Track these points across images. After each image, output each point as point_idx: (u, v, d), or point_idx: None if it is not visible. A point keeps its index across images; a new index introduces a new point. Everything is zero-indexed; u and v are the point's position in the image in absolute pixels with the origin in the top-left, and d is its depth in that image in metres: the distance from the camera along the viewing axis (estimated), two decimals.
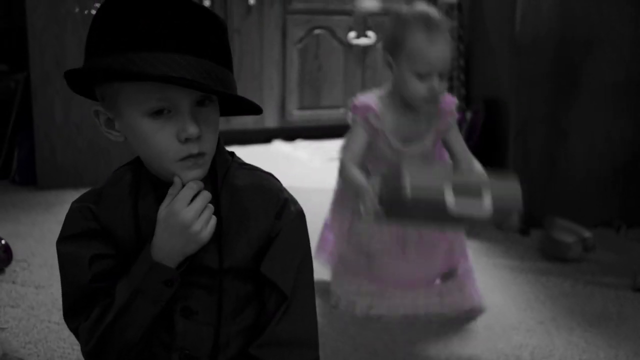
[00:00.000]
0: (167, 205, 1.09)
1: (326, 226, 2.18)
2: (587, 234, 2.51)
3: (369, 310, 2.01)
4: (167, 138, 1.06)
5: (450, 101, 2.02)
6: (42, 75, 3.16)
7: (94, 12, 3.10)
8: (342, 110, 4.58)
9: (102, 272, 1.15)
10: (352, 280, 2.07)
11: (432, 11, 1.92)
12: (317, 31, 4.44)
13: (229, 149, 1.20)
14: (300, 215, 1.20)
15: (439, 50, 1.86)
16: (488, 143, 2.85)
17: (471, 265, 2.13)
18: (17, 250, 2.39)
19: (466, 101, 3.02)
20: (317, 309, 2.00)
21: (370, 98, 1.98)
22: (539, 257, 2.52)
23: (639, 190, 2.88)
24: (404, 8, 1.93)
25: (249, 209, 1.16)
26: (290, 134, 4.53)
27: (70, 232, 1.16)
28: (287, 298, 1.15)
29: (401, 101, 1.96)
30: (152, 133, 1.06)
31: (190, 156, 1.07)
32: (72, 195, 1.24)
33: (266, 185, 1.18)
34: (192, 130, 1.05)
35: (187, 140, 1.06)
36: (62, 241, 1.17)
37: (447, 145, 2.05)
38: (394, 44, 1.91)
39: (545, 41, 2.71)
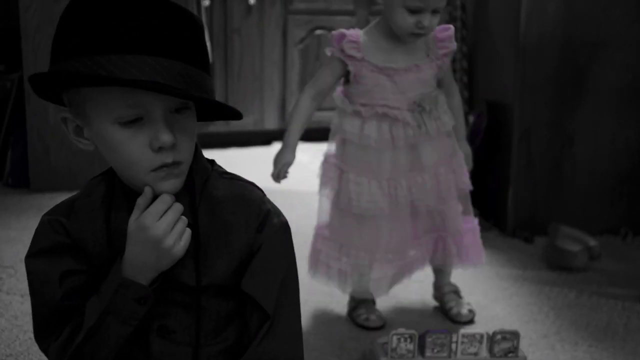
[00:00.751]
0: (137, 219, 1.02)
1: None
2: (592, 242, 2.44)
3: (361, 279, 1.93)
4: (139, 147, 0.98)
5: (444, 29, 1.86)
6: None
7: None
8: None
9: (74, 289, 1.08)
10: (337, 247, 1.94)
11: None
12: (318, 32, 4.37)
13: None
14: (283, 228, 1.12)
15: None
16: (491, 147, 2.78)
17: (475, 225, 2.02)
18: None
19: (469, 104, 2.95)
20: (314, 321, 1.95)
21: (351, 30, 1.84)
22: (543, 266, 2.45)
23: None
24: None
25: (229, 222, 1.08)
26: None
27: (40, 247, 1.09)
28: (270, 317, 1.08)
29: (391, 31, 1.81)
30: (123, 142, 0.98)
31: (164, 166, 1.00)
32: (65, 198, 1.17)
33: (247, 196, 1.11)
34: (166, 138, 0.97)
35: (160, 149, 0.98)
36: (31, 257, 1.10)
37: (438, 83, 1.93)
38: None
39: (550, 44, 2.64)
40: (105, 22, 0.94)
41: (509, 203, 2.73)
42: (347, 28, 1.86)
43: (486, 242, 2.57)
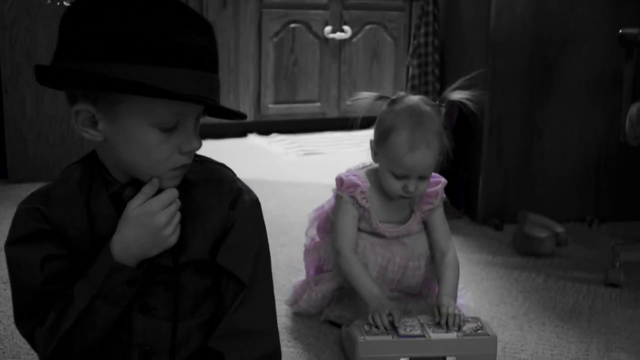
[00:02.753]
0: (143, 205, 1.08)
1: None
2: (559, 228, 2.52)
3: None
4: (169, 149, 1.06)
5: (436, 182, 1.90)
6: (12, 67, 3.11)
7: (67, 3, 3.06)
8: (317, 104, 4.58)
9: (55, 274, 1.11)
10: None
11: (425, 107, 1.82)
12: (293, 25, 4.42)
13: (204, 142, 1.18)
14: (254, 204, 1.19)
15: (417, 157, 1.74)
16: (462, 138, 2.85)
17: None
18: None
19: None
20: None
21: (357, 175, 1.88)
22: (512, 252, 2.53)
23: (612, 185, 2.90)
24: (399, 96, 1.84)
25: (202, 203, 1.15)
26: (265, 127, 4.51)
27: (19, 234, 1.12)
28: (246, 286, 1.15)
29: None
30: (156, 143, 1.05)
31: (184, 166, 1.09)
32: None
33: (218, 177, 1.18)
34: (197, 144, 1.08)
35: (187, 152, 1.08)
36: (10, 244, 1.13)
37: (427, 228, 1.93)
38: (379, 135, 1.81)
39: (519, 39, 2.72)
40: (148, 31, 0.99)
41: (479, 191, 2.81)
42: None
43: (457, 230, 2.67)
